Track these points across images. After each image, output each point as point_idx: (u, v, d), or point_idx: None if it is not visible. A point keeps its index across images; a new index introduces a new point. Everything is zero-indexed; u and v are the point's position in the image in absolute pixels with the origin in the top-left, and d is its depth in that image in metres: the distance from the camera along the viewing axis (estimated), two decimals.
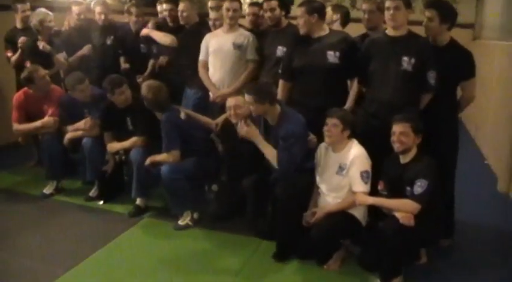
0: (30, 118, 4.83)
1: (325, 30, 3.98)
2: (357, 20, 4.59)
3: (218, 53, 4.59)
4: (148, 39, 5.27)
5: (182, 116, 4.17)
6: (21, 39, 5.21)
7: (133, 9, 5.42)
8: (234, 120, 3.94)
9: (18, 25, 5.46)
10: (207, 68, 4.69)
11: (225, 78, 4.59)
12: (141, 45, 5.44)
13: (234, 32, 4.58)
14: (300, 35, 4.01)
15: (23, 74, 4.69)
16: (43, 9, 5.31)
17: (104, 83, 4.41)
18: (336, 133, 3.49)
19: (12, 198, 4.80)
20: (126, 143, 4.43)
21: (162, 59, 5.25)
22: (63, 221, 4.35)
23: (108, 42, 5.58)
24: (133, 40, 5.47)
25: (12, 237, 4.06)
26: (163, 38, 5.09)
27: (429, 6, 3.62)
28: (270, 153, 3.64)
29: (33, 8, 5.48)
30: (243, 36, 4.54)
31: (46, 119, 4.72)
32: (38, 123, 4.76)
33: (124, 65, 5.50)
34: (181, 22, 4.98)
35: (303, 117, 3.69)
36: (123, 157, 4.60)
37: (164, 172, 4.03)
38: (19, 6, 5.40)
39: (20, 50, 5.24)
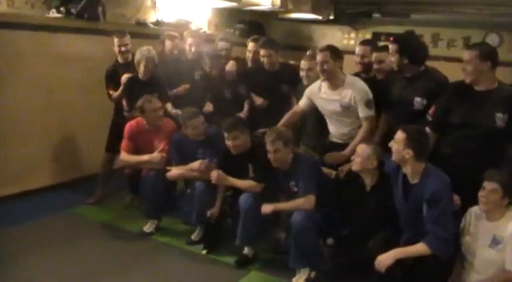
0: (139, 151, 4.75)
1: (494, 83, 3.55)
2: None
3: (329, 114, 4.31)
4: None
5: (328, 157, 4.13)
6: (125, 76, 5.01)
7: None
8: (353, 167, 3.76)
9: (119, 59, 5.20)
10: (299, 114, 4.49)
11: (344, 135, 4.32)
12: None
13: (337, 89, 4.16)
14: (440, 83, 3.79)
15: (137, 103, 4.62)
16: (145, 50, 4.88)
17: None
18: (493, 200, 3.15)
19: (110, 234, 4.74)
20: (242, 183, 4.22)
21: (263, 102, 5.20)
22: (164, 265, 4.20)
23: (196, 77, 5.36)
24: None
25: (109, 277, 3.94)
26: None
27: None
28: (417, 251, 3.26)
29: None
30: (348, 95, 4.10)
31: (155, 154, 4.61)
32: (145, 157, 4.65)
33: (207, 106, 5.18)
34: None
35: (446, 176, 3.35)
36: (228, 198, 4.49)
37: (297, 220, 3.79)
38: (116, 39, 5.11)
39: (122, 87, 5.04)
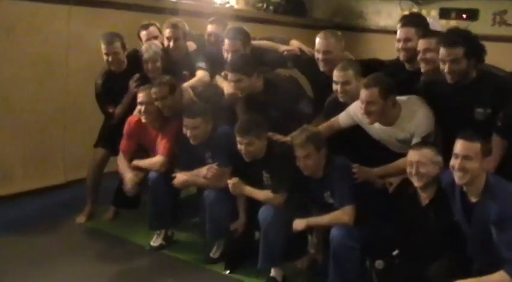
0: (144, 150, 4.74)
1: None
2: None
3: (382, 141, 4.07)
4: None
5: (355, 168, 3.87)
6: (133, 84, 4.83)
7: None
8: (417, 183, 3.52)
9: (112, 68, 4.90)
10: (336, 130, 4.17)
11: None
12: None
13: (390, 125, 3.87)
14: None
15: None
16: (151, 47, 4.79)
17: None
18: None
19: (115, 247, 4.69)
20: (259, 194, 4.12)
21: None
22: None
23: None
24: None
25: None
26: None
27: None
28: None
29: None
30: (406, 129, 3.82)
31: (155, 159, 4.55)
32: (144, 163, 4.61)
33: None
34: None
35: None
36: None
37: (336, 236, 3.67)
38: (102, 46, 4.77)
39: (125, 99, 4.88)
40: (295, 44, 4.91)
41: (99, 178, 5.13)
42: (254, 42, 4.86)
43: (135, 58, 4.91)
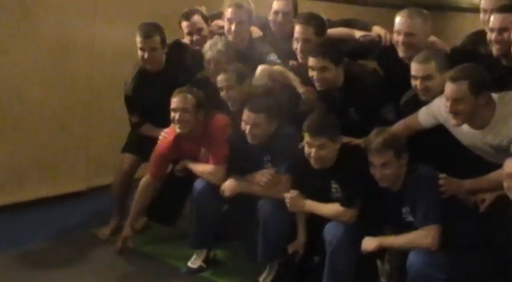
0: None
1: None
2: None
3: (471, 147, 3.87)
4: None
5: (442, 180, 3.66)
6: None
7: None
8: None
9: (147, 66, 4.76)
10: (415, 131, 3.98)
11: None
12: None
13: (481, 129, 3.68)
14: None
15: None
16: (215, 44, 4.58)
17: None
18: None
19: (147, 269, 4.58)
20: (324, 208, 4.00)
21: None
22: None
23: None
24: None
25: None
26: None
27: None
28: None
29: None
30: (502, 134, 3.64)
31: (212, 169, 4.45)
32: (199, 169, 4.50)
33: None
34: None
35: None
36: None
37: (415, 264, 3.50)
38: (139, 38, 4.59)
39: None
40: (376, 30, 4.66)
41: (127, 187, 5.03)
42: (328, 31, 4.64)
43: (174, 53, 4.80)
